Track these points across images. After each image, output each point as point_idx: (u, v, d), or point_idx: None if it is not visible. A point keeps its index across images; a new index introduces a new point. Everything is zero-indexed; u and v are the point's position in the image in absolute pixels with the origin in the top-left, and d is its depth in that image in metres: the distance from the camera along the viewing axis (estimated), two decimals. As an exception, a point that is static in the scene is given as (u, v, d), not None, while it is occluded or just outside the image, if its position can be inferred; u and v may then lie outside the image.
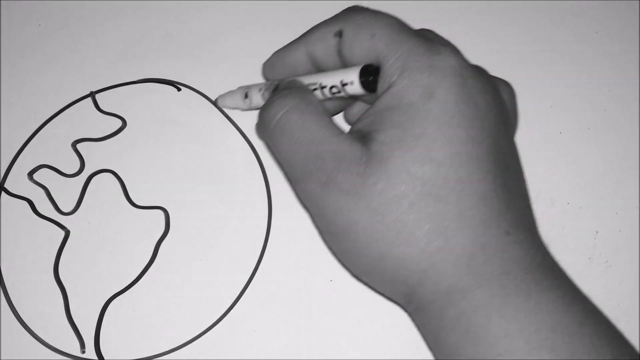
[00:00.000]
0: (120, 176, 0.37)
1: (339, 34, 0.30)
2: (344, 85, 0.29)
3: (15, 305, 0.34)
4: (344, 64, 0.30)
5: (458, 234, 0.25)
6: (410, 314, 0.29)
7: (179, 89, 0.40)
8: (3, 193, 0.37)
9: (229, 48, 0.41)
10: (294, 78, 0.32)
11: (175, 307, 0.34)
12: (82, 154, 0.38)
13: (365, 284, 0.33)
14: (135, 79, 0.40)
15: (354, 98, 0.31)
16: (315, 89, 0.30)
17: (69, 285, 0.34)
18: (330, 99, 0.30)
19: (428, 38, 0.28)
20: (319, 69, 0.32)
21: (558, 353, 0.24)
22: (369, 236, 0.26)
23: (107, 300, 0.34)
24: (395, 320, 0.33)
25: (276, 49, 0.34)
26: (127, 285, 0.34)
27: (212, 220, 0.36)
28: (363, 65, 0.28)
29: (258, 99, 0.35)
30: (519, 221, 0.27)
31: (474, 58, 0.41)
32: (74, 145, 0.38)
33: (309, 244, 0.35)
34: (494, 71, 0.41)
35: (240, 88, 0.36)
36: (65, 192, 0.37)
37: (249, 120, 0.39)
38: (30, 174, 0.37)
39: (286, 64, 0.33)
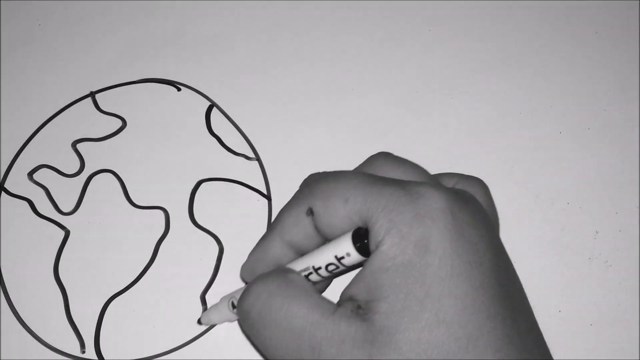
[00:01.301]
0: (120, 176, 0.37)
1: (310, 212, 0.27)
2: (340, 259, 0.26)
3: (15, 305, 0.34)
4: (327, 239, 0.27)
5: None
6: None
7: (179, 89, 0.40)
8: (3, 193, 0.37)
9: (229, 48, 0.41)
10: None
11: (175, 307, 0.34)
12: (82, 154, 0.38)
13: None
14: (135, 79, 0.40)
15: (352, 268, 0.27)
16: (310, 273, 0.27)
17: (69, 285, 0.34)
18: (328, 278, 0.28)
19: (401, 181, 0.26)
20: (302, 254, 0.28)
21: None
22: None
23: (107, 300, 0.34)
24: (395, 320, 0.33)
25: (249, 251, 0.30)
26: (127, 285, 0.34)
27: (212, 220, 0.36)
28: (352, 231, 0.26)
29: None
30: (539, 351, 0.25)
31: (474, 58, 0.41)
32: (74, 145, 0.38)
33: (309, 244, 0.35)
34: (494, 71, 0.41)
35: (223, 298, 0.32)
36: (65, 192, 0.37)
37: (249, 120, 0.39)
38: (30, 174, 0.37)
39: (267, 262, 0.29)
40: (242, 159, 0.38)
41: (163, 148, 0.38)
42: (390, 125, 0.39)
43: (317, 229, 0.27)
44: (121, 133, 0.38)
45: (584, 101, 0.40)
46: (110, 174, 0.37)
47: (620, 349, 0.33)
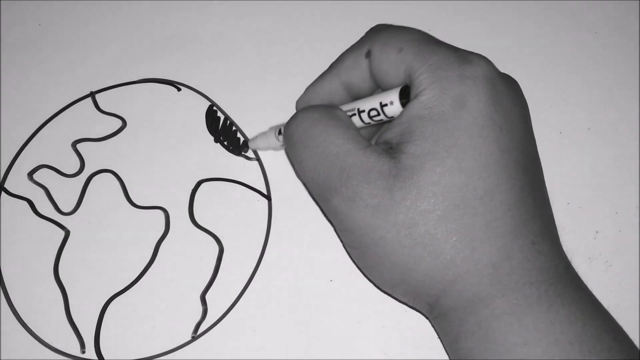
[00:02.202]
0: (120, 176, 0.37)
1: (369, 54, 0.29)
2: (383, 107, 0.28)
3: (15, 305, 0.34)
4: (379, 87, 0.30)
5: (485, 245, 0.25)
6: (431, 320, 0.29)
7: (179, 89, 0.40)
8: (3, 193, 0.37)
9: (229, 48, 0.41)
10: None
11: (175, 307, 0.34)
12: (82, 154, 0.38)
13: (388, 294, 0.33)
14: (135, 79, 0.40)
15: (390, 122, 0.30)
16: (353, 115, 0.29)
17: (69, 285, 0.34)
18: (368, 124, 0.30)
19: (456, 47, 0.28)
20: (355, 97, 0.31)
21: None
22: (396, 251, 0.26)
23: (107, 300, 0.34)
24: (395, 320, 0.33)
25: (308, 84, 0.33)
26: (127, 285, 0.34)
27: (212, 220, 0.36)
28: (402, 86, 0.28)
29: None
30: (545, 230, 0.26)
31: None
32: (74, 145, 0.38)
33: (309, 244, 0.35)
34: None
35: (271, 128, 0.35)
36: (65, 192, 0.37)
37: (249, 120, 0.39)
38: (30, 174, 0.37)
39: (321, 98, 0.32)
40: (242, 159, 0.38)
41: (163, 148, 0.38)
42: (390, 125, 0.39)
43: (372, 73, 0.29)
44: (121, 133, 0.38)
45: (584, 101, 0.40)
46: (110, 174, 0.37)
47: (620, 349, 0.33)
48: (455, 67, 0.26)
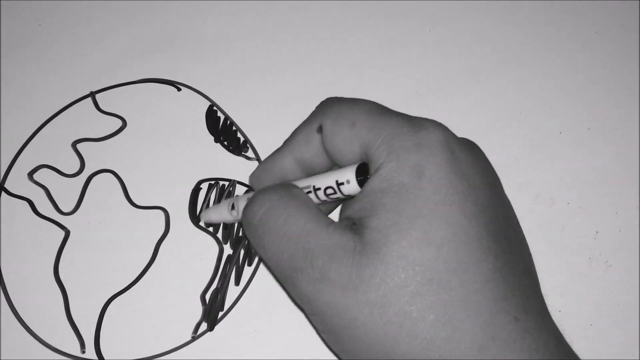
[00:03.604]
0: (120, 176, 0.37)
1: (320, 129, 0.28)
2: (339, 185, 0.27)
3: (15, 305, 0.34)
4: (333, 162, 0.29)
5: (465, 323, 0.23)
6: None
7: (179, 89, 0.40)
8: (3, 193, 0.37)
9: (229, 48, 0.41)
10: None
11: (175, 307, 0.34)
12: (82, 154, 0.38)
13: None
14: (135, 79, 0.40)
15: (348, 199, 0.29)
16: (309, 192, 0.29)
17: (69, 285, 0.34)
18: (324, 202, 0.29)
19: (410, 115, 0.27)
20: (309, 173, 0.30)
21: None
22: (370, 333, 0.24)
23: (107, 300, 0.34)
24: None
25: (261, 161, 0.31)
26: (127, 285, 0.34)
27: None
28: (359, 163, 0.27)
29: None
30: (527, 303, 0.25)
31: (474, 58, 0.41)
32: (74, 145, 0.38)
33: (309, 244, 0.35)
34: (494, 71, 0.41)
35: (225, 201, 0.34)
36: (65, 192, 0.37)
37: (249, 120, 0.39)
38: (30, 174, 0.37)
39: (274, 174, 0.31)
40: (242, 159, 0.38)
41: (163, 148, 0.38)
42: (390, 125, 0.39)
43: (325, 148, 0.29)
44: (121, 133, 0.38)
45: (584, 101, 0.40)
46: (110, 174, 0.37)
47: (620, 349, 0.33)
48: (410, 135, 0.25)
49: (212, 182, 0.36)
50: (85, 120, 0.39)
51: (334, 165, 0.29)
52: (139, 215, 0.36)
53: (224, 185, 0.36)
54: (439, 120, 0.26)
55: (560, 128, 0.39)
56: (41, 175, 0.37)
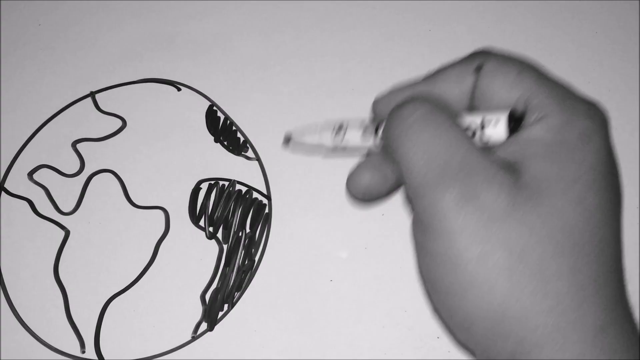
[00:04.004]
0: (120, 176, 0.37)
1: (479, 69, 0.26)
2: (483, 124, 0.25)
3: (15, 305, 0.34)
4: (474, 108, 0.27)
5: (594, 300, 0.22)
6: None
7: (179, 89, 0.40)
8: (3, 193, 0.37)
9: (229, 48, 0.41)
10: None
11: (175, 307, 0.34)
12: (82, 153, 0.38)
13: (459, 340, 0.28)
14: (135, 79, 0.40)
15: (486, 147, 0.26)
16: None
17: (69, 285, 0.34)
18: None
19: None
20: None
21: None
22: (497, 275, 0.22)
23: (107, 300, 0.34)
24: (395, 320, 0.33)
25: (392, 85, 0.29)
26: (127, 285, 0.34)
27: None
28: (511, 108, 0.25)
29: (356, 138, 0.28)
30: (628, 305, 0.24)
31: (474, 58, 0.41)
32: (74, 145, 0.38)
33: (309, 244, 0.35)
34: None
35: (327, 122, 0.29)
36: (65, 192, 0.37)
37: (249, 120, 0.39)
38: (30, 174, 0.37)
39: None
40: (242, 159, 0.38)
41: (163, 148, 0.38)
42: (390, 125, 0.39)
43: (476, 90, 0.27)
44: (121, 133, 0.38)
45: (584, 101, 0.40)
46: (110, 174, 0.37)
47: (620, 349, 0.33)
48: (581, 103, 0.25)
49: (212, 182, 0.36)
50: (85, 120, 0.39)
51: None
52: (138, 215, 0.36)
53: (224, 185, 0.36)
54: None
55: (560, 128, 0.39)
56: (41, 175, 0.37)
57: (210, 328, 0.33)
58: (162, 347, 0.33)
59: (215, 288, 0.33)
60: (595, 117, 0.24)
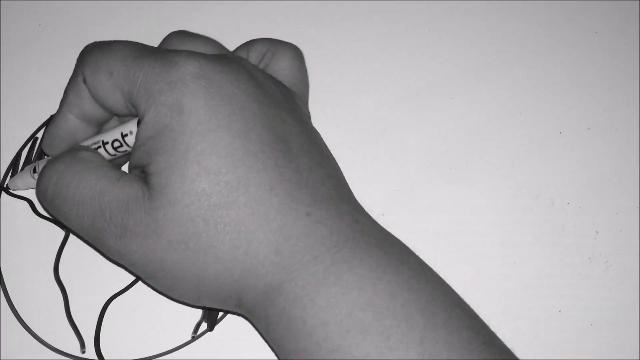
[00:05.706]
0: (120, 176, 0.37)
1: (84, 81, 0.28)
2: (124, 137, 0.28)
3: (15, 305, 0.34)
4: (112, 114, 0.29)
5: (258, 233, 0.25)
6: (249, 319, 0.29)
7: (179, 89, 0.40)
8: (3, 193, 0.37)
9: (228, 48, 0.41)
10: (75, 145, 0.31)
11: (175, 307, 0.34)
12: (82, 154, 0.38)
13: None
14: (135, 79, 0.40)
15: None
16: (99, 147, 0.29)
17: (69, 285, 0.34)
18: (115, 156, 0.29)
19: (162, 51, 0.27)
20: (102, 125, 0.30)
21: (369, 332, 0.23)
22: (182, 268, 0.26)
23: (107, 300, 0.34)
24: (395, 320, 0.33)
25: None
26: (127, 285, 0.34)
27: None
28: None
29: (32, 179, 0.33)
30: (318, 197, 0.26)
31: (474, 58, 0.41)
32: (74, 145, 0.38)
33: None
34: (494, 71, 0.41)
35: (28, 166, 0.34)
36: (65, 192, 0.37)
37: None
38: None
39: (62, 137, 0.30)
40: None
41: (163, 148, 0.38)
42: (390, 125, 0.39)
43: (95, 99, 0.28)
44: (121, 133, 0.38)
45: (584, 101, 0.40)
46: (110, 174, 0.37)
47: (620, 349, 0.33)
48: (163, 75, 0.26)
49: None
50: (85, 120, 0.39)
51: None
52: (139, 215, 0.36)
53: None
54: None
55: (560, 128, 0.39)
56: (41, 175, 0.37)
57: (210, 328, 0.33)
58: (162, 347, 0.33)
59: None
60: (177, 82, 0.25)
